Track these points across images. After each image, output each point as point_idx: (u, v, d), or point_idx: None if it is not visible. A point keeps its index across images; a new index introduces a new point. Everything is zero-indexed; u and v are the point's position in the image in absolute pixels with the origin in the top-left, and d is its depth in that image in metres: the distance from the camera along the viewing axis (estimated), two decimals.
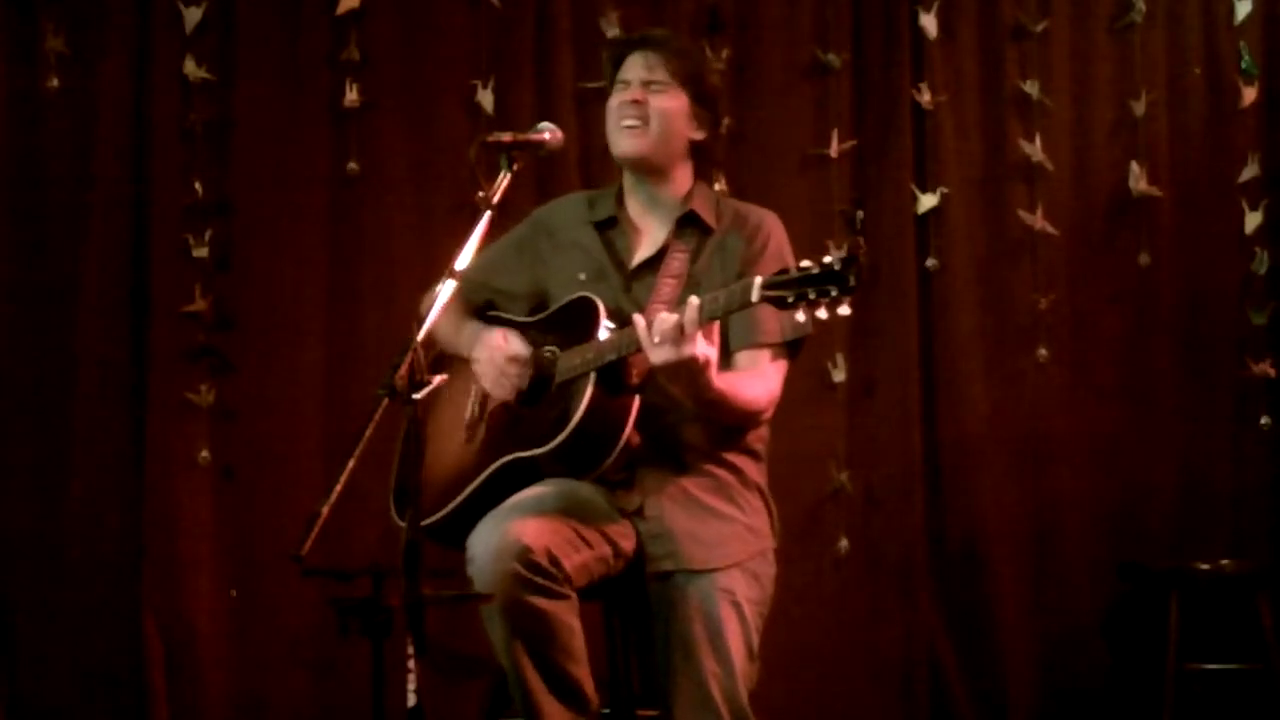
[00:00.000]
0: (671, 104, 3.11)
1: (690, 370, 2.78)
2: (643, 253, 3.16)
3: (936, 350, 4.74)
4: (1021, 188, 4.76)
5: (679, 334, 2.74)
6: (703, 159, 3.21)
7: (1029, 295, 4.74)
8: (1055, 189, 4.77)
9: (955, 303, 4.74)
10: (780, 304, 2.63)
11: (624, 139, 3.12)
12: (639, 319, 2.81)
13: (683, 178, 3.19)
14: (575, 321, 3.01)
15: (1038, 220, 4.72)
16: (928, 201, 4.72)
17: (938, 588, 4.69)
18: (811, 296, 2.59)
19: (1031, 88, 4.75)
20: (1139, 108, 4.78)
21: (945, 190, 4.72)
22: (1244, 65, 4.82)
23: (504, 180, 2.78)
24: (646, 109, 3.10)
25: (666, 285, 3.05)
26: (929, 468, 4.71)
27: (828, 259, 2.60)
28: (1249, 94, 4.81)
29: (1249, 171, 4.80)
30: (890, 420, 4.69)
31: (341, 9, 4.57)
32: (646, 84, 3.11)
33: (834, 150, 4.68)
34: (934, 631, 4.67)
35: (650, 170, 3.16)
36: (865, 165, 4.74)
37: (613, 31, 4.55)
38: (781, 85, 4.73)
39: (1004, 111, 4.78)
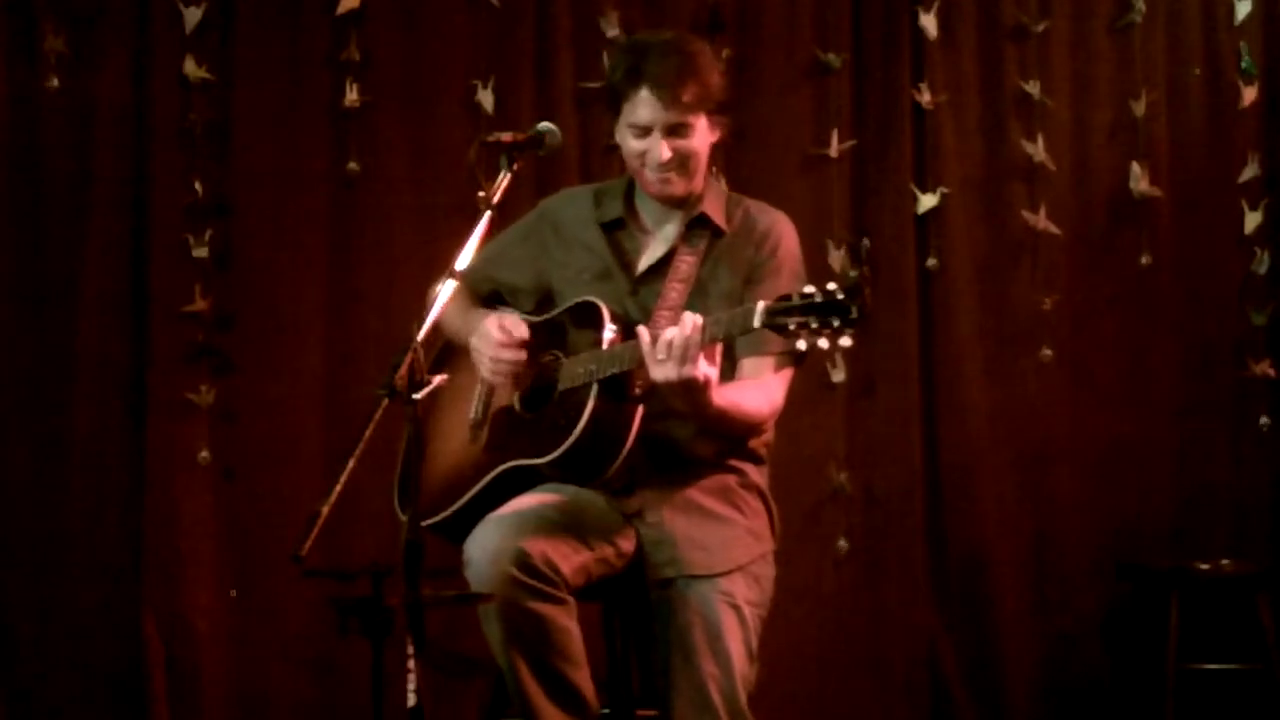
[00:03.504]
0: (699, 140, 3.04)
1: (691, 389, 2.77)
2: (650, 256, 3.13)
3: (936, 350, 4.73)
4: (1022, 188, 4.76)
5: (683, 353, 2.73)
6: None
7: (1029, 295, 4.74)
8: (1055, 189, 4.76)
9: (955, 303, 4.74)
10: (781, 331, 2.59)
11: (665, 189, 3.06)
12: (644, 333, 2.80)
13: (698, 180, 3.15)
14: (580, 326, 3.00)
15: (1040, 220, 4.72)
16: (928, 201, 4.72)
17: (938, 587, 4.69)
18: (814, 326, 2.55)
19: (1032, 88, 4.75)
20: (1139, 108, 4.77)
21: (945, 190, 4.72)
22: (1244, 65, 4.81)
23: (504, 180, 2.78)
24: (680, 158, 3.03)
25: (674, 290, 3.02)
26: (929, 468, 4.71)
27: (831, 286, 2.55)
28: (1249, 94, 4.80)
29: (1249, 171, 4.80)
30: (890, 420, 4.69)
31: (341, 9, 4.57)
32: (670, 130, 3.01)
33: (834, 150, 4.68)
34: (934, 631, 4.67)
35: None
36: (865, 165, 4.74)
37: (613, 32, 4.54)
38: (781, 85, 4.72)
39: (1004, 111, 4.78)
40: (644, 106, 3.00)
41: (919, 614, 4.64)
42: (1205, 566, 4.51)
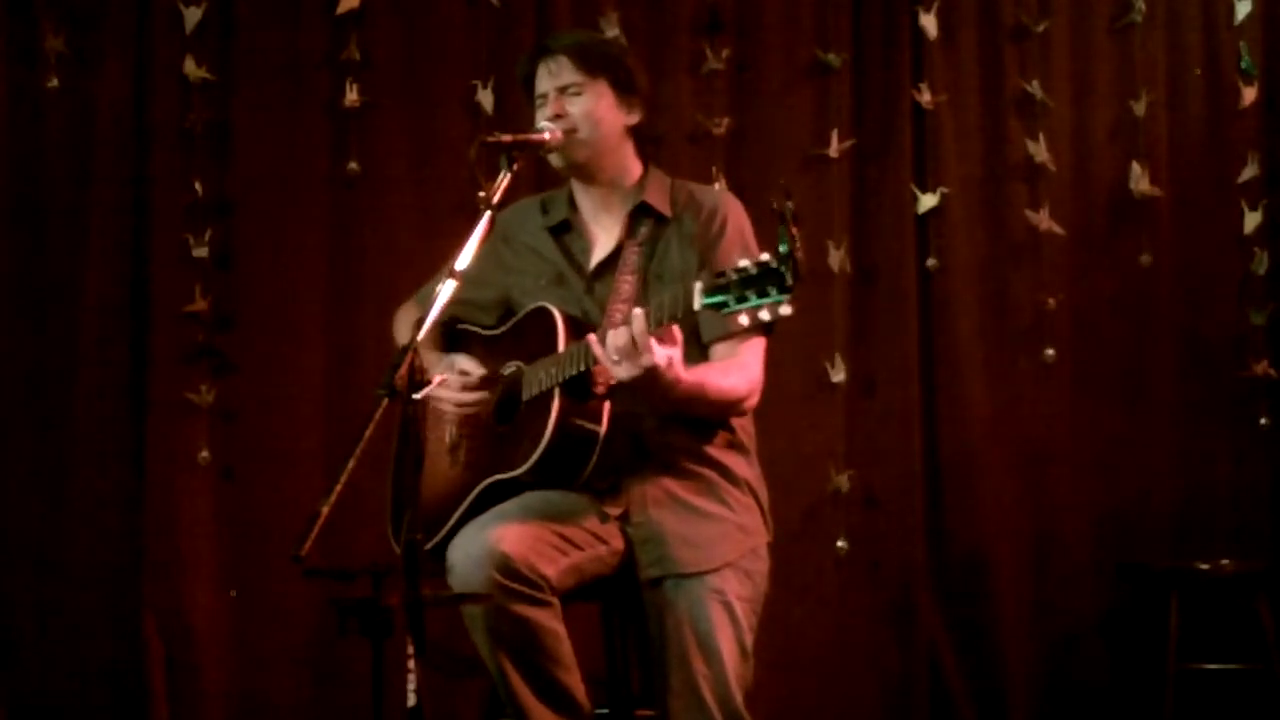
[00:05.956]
0: (593, 102, 3.08)
1: (655, 377, 2.76)
2: (599, 252, 3.14)
3: (936, 350, 4.73)
4: (1022, 188, 4.76)
5: (633, 348, 2.72)
6: (644, 140, 3.19)
7: (1029, 295, 4.74)
8: (1055, 189, 4.76)
9: (955, 303, 4.74)
10: (722, 308, 2.52)
11: (560, 155, 3.08)
12: (593, 338, 2.80)
13: (629, 167, 3.16)
14: (536, 333, 3.00)
15: (1043, 220, 4.72)
16: (928, 201, 4.72)
17: (937, 588, 4.69)
18: (752, 300, 2.49)
19: (1032, 88, 4.75)
20: (1139, 108, 4.77)
21: (945, 190, 4.72)
22: (1244, 65, 4.81)
23: (504, 180, 2.79)
24: (571, 119, 3.06)
25: (625, 283, 3.03)
26: (929, 468, 4.71)
27: (764, 257, 2.51)
28: (1249, 94, 4.81)
29: (1249, 171, 4.80)
30: (890, 420, 4.69)
31: (341, 9, 4.57)
32: (562, 91, 3.07)
33: (834, 150, 4.68)
34: (934, 631, 4.66)
35: (594, 171, 3.14)
36: (865, 165, 4.74)
37: (613, 31, 4.54)
38: (781, 85, 4.72)
39: (1004, 111, 4.78)
40: (540, 78, 3.11)
41: (919, 614, 4.64)
42: (1205, 566, 4.51)
